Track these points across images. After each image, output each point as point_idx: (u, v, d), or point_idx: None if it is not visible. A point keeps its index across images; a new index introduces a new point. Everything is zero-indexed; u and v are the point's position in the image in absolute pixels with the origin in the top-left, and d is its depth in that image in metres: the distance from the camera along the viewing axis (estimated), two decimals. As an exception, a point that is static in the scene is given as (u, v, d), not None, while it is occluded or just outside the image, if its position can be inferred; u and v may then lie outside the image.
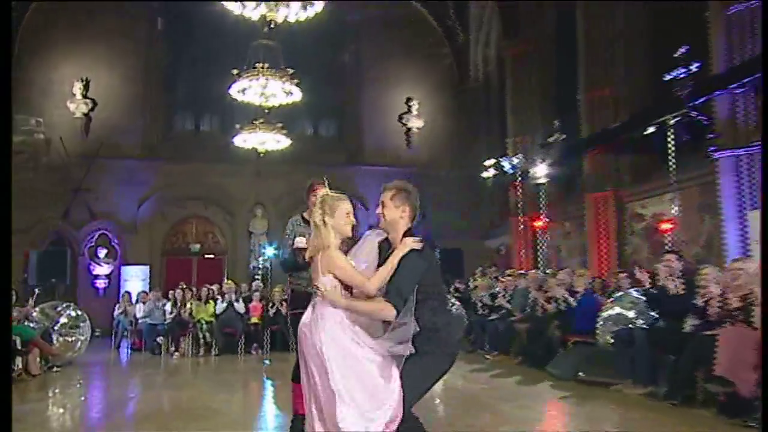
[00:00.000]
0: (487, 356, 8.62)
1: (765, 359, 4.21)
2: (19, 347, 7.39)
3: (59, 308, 9.17)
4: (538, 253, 12.16)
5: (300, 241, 3.75)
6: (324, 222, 2.83)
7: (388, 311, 2.67)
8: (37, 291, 9.53)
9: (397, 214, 2.88)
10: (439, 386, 2.98)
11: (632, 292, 6.75)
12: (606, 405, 5.27)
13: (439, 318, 2.83)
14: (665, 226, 9.21)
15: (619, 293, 7.02)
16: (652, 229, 9.81)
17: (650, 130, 8.75)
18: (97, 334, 11.41)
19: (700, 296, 5.40)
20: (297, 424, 3.70)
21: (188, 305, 10.29)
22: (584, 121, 10.89)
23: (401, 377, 2.68)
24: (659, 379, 5.59)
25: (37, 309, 8.88)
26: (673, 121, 8.14)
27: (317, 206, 2.89)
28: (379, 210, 2.91)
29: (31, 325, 8.28)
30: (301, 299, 3.63)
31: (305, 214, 3.97)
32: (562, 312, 7.60)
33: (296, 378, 3.46)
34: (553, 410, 5.58)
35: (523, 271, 9.91)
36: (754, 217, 7.06)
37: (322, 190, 2.98)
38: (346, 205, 2.88)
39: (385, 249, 2.90)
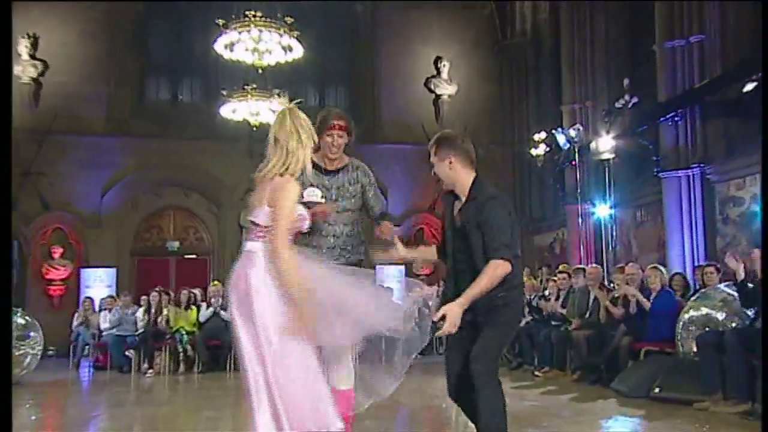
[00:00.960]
0: (537, 373, 8.66)
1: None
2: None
3: (6, 314, 9.39)
4: (602, 249, 12.13)
5: (313, 193, 3.65)
6: (301, 140, 2.91)
7: (503, 267, 3.11)
8: None
9: (445, 167, 3.32)
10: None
11: (722, 287, 6.72)
12: (688, 423, 5.25)
13: (516, 270, 3.26)
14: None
15: (705, 290, 7.00)
16: (751, 216, 9.73)
17: (749, 87, 8.67)
18: (50, 352, 11.68)
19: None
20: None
21: (165, 312, 10.48)
22: (662, 79, 10.83)
23: (484, 331, 3.18)
24: (757, 394, 5.56)
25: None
26: (780, 75, 8.05)
27: (291, 125, 2.92)
28: (433, 171, 3.37)
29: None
30: None
31: (315, 157, 3.48)
32: (632, 316, 7.59)
33: None
34: (617, 426, 5.60)
35: (581, 266, 9.90)
36: None
37: (292, 107, 3.01)
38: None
39: (450, 200, 3.39)
